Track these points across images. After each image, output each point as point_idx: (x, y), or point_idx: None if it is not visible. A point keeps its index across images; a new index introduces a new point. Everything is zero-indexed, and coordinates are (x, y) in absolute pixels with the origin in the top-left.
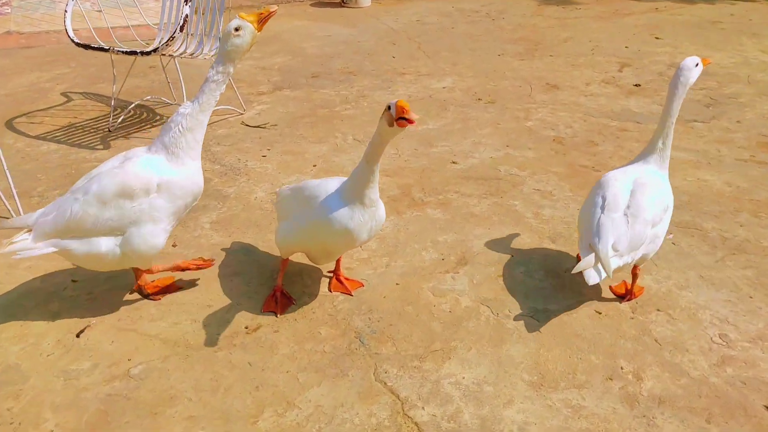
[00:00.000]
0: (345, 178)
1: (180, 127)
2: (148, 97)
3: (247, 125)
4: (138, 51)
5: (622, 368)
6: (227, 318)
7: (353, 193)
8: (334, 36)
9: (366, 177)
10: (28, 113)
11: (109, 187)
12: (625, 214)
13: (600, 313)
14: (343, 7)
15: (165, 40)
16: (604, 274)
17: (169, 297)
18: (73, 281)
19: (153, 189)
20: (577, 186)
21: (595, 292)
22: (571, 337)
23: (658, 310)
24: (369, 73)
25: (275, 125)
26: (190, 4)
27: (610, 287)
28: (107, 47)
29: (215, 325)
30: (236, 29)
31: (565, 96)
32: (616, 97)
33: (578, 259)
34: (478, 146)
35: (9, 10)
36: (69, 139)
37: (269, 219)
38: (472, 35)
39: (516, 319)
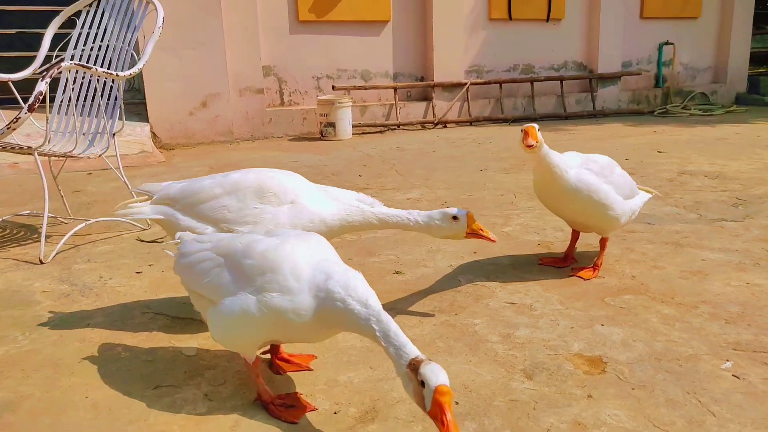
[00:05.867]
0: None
1: (363, 206)
2: (26, 212)
3: (142, 240)
4: None
5: None
6: None
7: None
8: (301, 161)
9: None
10: None
11: (249, 179)
12: None
13: None
14: (322, 140)
15: (4, 128)
16: None
17: None
18: None
19: (285, 202)
20: (571, 296)
21: None
22: None
23: None
24: None
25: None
26: (46, 81)
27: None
28: None
29: None
30: (454, 218)
31: None
32: None
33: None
34: (434, 254)
35: None
36: None
37: (78, 357)
38: (454, 157)
39: None
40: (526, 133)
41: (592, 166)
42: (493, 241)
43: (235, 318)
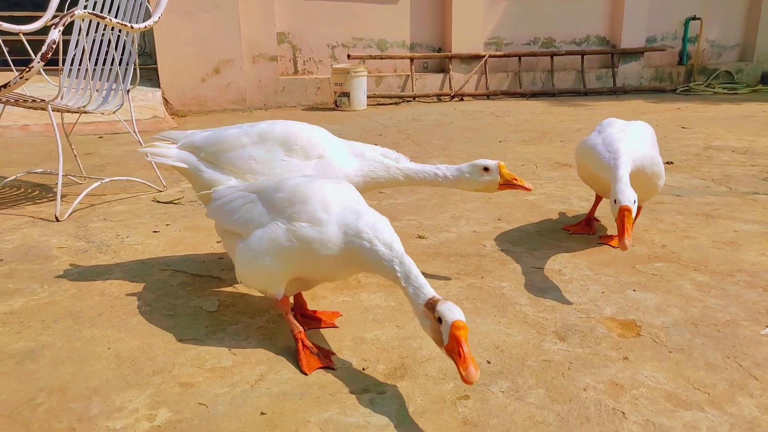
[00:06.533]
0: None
1: (387, 161)
2: (40, 170)
3: (158, 201)
4: None
5: None
6: None
7: None
8: None
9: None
10: None
11: (276, 130)
12: None
13: None
14: (336, 110)
15: (17, 77)
16: None
17: None
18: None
19: (313, 156)
20: (600, 263)
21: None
22: None
23: None
24: None
25: (193, 201)
26: (58, 28)
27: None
28: None
29: None
30: (485, 169)
31: None
32: None
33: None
34: (457, 220)
35: None
36: None
37: (98, 310)
38: (471, 128)
39: None
40: (622, 223)
41: (648, 138)
42: (529, 189)
43: (263, 248)
